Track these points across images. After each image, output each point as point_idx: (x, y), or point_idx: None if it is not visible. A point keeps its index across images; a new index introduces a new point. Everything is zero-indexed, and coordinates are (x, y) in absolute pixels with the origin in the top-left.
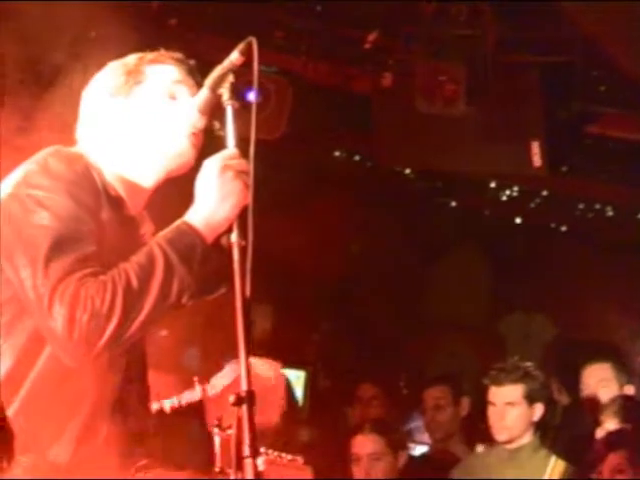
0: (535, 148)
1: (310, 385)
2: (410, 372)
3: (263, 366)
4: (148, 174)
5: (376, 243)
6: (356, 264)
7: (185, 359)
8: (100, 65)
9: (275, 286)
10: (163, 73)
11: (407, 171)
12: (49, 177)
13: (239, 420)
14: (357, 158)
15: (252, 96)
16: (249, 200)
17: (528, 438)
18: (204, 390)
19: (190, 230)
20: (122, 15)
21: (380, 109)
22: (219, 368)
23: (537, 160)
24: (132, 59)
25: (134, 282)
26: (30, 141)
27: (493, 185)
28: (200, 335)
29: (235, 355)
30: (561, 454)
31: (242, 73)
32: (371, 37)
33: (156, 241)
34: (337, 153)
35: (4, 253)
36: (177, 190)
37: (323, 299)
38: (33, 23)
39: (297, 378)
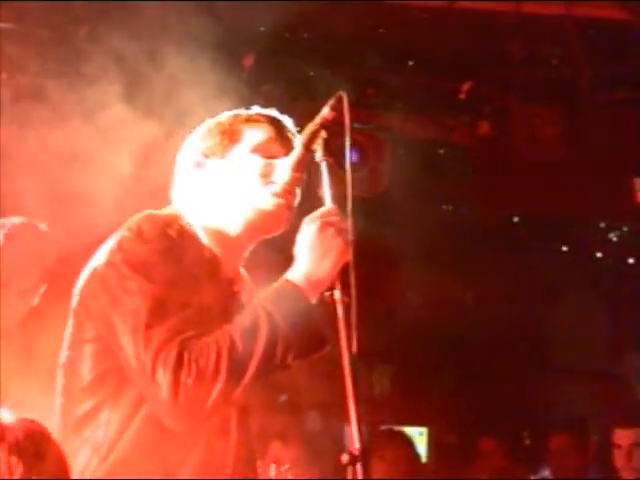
0: (638, 184)
1: (434, 441)
2: (533, 420)
3: None
4: (244, 233)
5: (489, 293)
6: (472, 315)
7: (308, 422)
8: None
9: (394, 344)
10: (257, 132)
11: (515, 219)
12: (143, 243)
13: None
14: (465, 210)
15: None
16: (350, 257)
17: None
18: None
19: (292, 288)
20: (215, 78)
21: (480, 158)
22: (340, 429)
23: None
24: (226, 118)
25: (238, 343)
26: None
27: (602, 225)
28: (319, 396)
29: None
30: None
31: (338, 133)
32: (465, 87)
33: (259, 301)
34: (444, 207)
35: (103, 321)
36: (278, 250)
37: (441, 353)
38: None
39: (420, 435)
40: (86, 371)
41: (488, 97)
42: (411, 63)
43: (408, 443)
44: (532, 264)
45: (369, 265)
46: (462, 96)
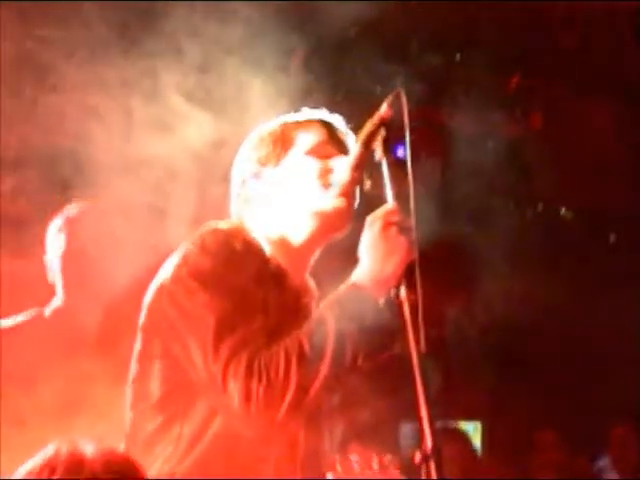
0: None
1: (487, 435)
2: (591, 412)
3: None
4: (307, 239)
5: (541, 286)
6: (524, 308)
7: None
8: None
9: (444, 339)
10: (310, 135)
11: (562, 211)
12: (208, 256)
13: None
14: (516, 203)
15: (403, 150)
16: (415, 255)
17: None
18: None
19: (358, 290)
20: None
21: (532, 150)
22: (395, 431)
23: None
24: (277, 126)
25: (307, 349)
26: None
27: None
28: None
29: (409, 417)
30: None
31: (390, 129)
32: (514, 80)
33: (325, 305)
34: (496, 201)
35: (172, 336)
36: (341, 251)
37: (493, 345)
38: None
39: (475, 429)
40: (155, 387)
41: (539, 89)
42: (459, 57)
43: (466, 439)
44: (583, 256)
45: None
46: (512, 89)
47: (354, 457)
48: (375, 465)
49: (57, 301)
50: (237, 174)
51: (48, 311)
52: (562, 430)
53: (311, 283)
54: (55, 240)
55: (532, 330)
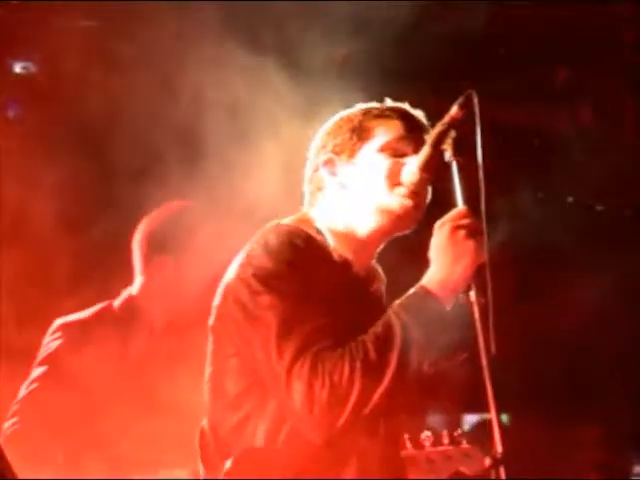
0: None
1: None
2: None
3: None
4: (372, 233)
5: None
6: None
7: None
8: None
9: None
10: (388, 130)
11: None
12: (271, 256)
13: None
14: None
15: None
16: (485, 258)
17: None
18: None
19: (425, 295)
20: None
21: (582, 146)
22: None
23: None
24: (357, 114)
25: (372, 353)
26: None
27: None
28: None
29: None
30: None
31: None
32: (561, 73)
33: (393, 309)
34: (542, 198)
35: (239, 336)
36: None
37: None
38: None
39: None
40: (231, 386)
41: (589, 83)
42: (502, 51)
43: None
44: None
45: None
46: (559, 83)
47: (424, 433)
48: (446, 440)
49: (133, 289)
50: (312, 158)
51: (117, 303)
52: (607, 428)
53: (378, 269)
54: (141, 229)
55: (578, 329)
